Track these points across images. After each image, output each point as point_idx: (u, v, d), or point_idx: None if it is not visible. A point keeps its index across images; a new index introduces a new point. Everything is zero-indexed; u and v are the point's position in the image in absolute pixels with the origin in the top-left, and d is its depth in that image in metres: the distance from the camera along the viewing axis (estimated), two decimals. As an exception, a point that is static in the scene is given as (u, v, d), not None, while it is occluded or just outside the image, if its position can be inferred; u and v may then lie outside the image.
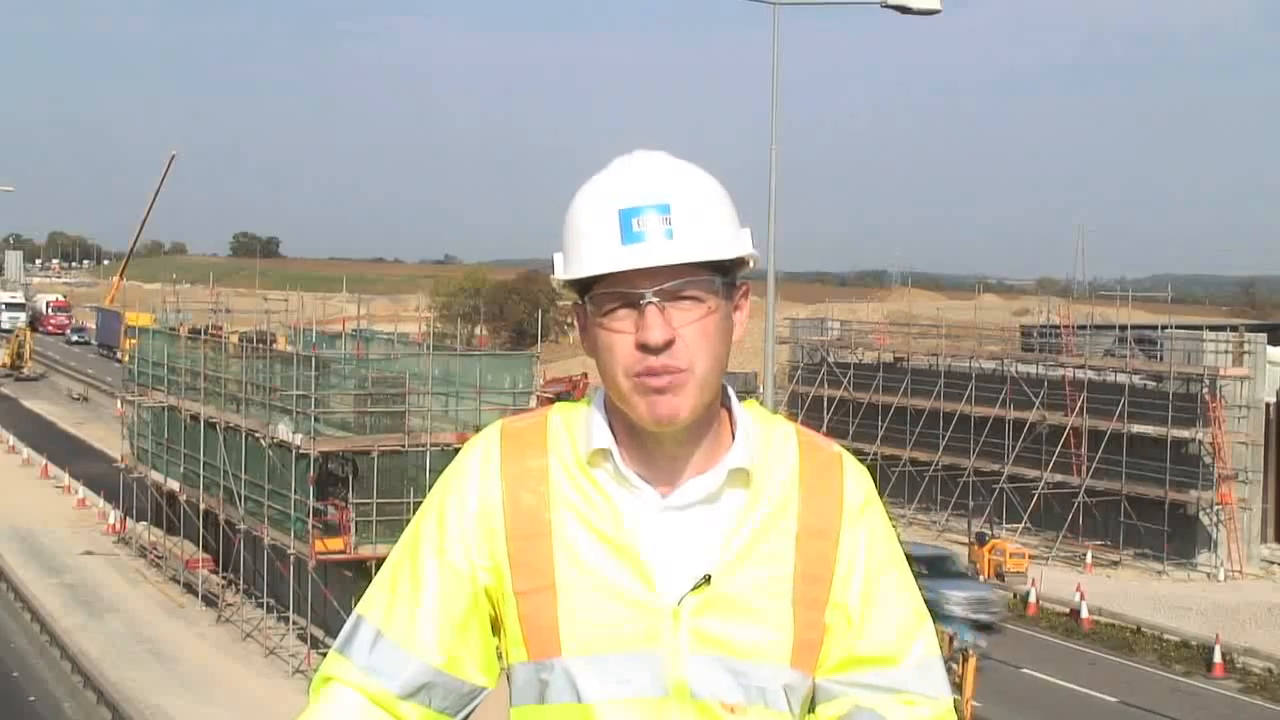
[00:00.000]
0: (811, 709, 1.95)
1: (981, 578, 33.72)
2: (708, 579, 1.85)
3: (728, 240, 1.87)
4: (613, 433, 1.91)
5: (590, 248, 1.85)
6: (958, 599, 29.17)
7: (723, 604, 1.86)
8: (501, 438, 1.97)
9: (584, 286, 1.88)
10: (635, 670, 1.84)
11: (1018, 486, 41.45)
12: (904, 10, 20.44)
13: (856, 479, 1.98)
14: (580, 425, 1.94)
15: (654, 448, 1.89)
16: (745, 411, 1.97)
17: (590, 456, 1.91)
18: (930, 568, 30.02)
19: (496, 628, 1.95)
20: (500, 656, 1.95)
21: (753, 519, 1.90)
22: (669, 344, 1.81)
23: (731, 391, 1.97)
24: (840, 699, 1.92)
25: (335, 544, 26.97)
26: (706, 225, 1.85)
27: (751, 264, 1.91)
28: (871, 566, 1.94)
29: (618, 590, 1.85)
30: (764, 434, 1.96)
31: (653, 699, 1.84)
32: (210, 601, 31.62)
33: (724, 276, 1.87)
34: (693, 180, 1.88)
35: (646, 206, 1.83)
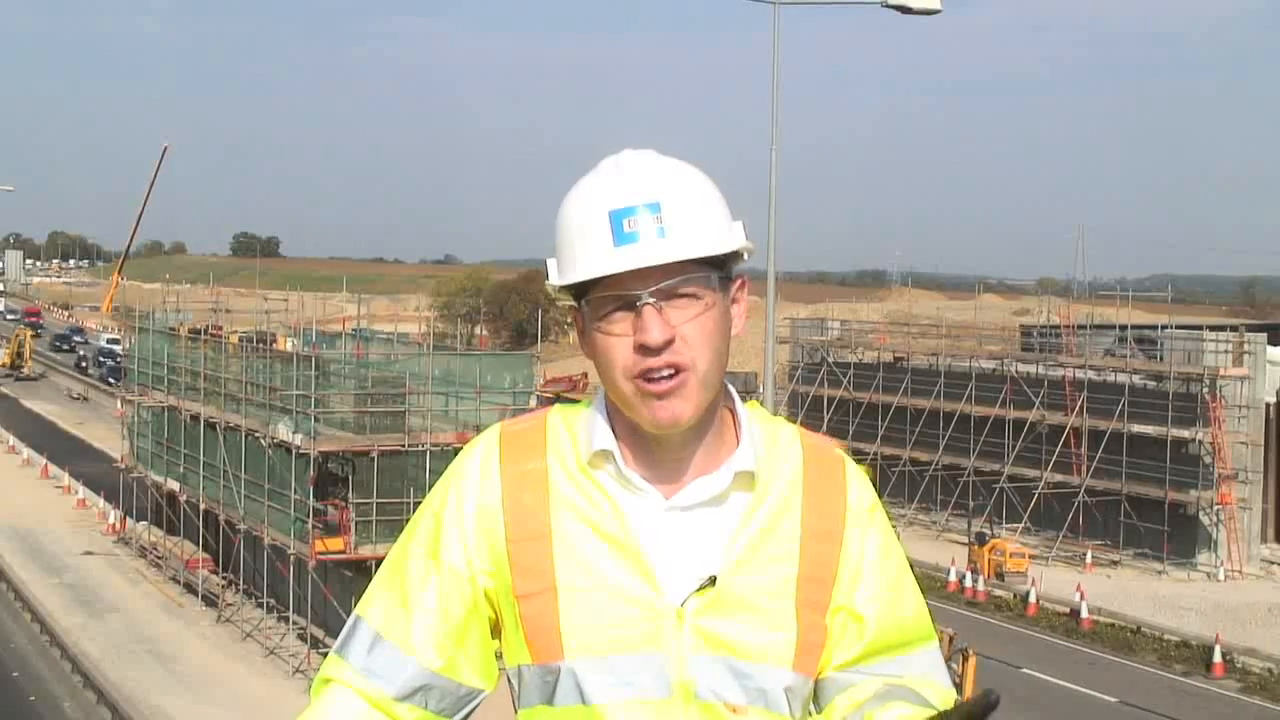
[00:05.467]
0: (815, 708, 1.95)
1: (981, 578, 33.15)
2: (713, 580, 1.85)
3: (721, 235, 1.86)
4: (614, 434, 1.90)
5: (583, 251, 1.83)
6: None
7: (727, 605, 1.85)
8: (501, 440, 1.97)
9: (580, 291, 1.86)
10: (639, 671, 1.83)
11: (1018, 486, 41.44)
12: (904, 10, 20.42)
13: (859, 482, 1.98)
14: (581, 427, 1.94)
15: (657, 449, 1.89)
16: (748, 412, 1.96)
17: (592, 458, 1.90)
18: None
19: (496, 630, 1.94)
20: (499, 658, 1.95)
21: (757, 520, 1.90)
22: (669, 343, 1.81)
23: (734, 391, 1.96)
24: (864, 683, 1.92)
25: (335, 544, 26.96)
26: (699, 221, 1.84)
27: (746, 256, 1.90)
28: (885, 570, 1.95)
29: (621, 591, 1.85)
30: (767, 435, 1.96)
31: (657, 700, 1.83)
32: (210, 601, 31.61)
33: (719, 271, 1.86)
34: (682, 177, 1.87)
35: (637, 206, 1.82)
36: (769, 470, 1.92)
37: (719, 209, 1.88)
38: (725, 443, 1.92)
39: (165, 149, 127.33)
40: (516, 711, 1.94)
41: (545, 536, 1.88)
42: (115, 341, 72.19)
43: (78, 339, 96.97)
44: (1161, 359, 39.85)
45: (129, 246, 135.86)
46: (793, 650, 1.87)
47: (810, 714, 1.93)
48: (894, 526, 2.03)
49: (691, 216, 1.83)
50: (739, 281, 1.92)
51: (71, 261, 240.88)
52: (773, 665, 1.86)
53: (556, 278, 1.89)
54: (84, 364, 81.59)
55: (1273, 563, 39.48)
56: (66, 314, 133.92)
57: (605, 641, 1.84)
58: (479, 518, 1.92)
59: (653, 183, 1.84)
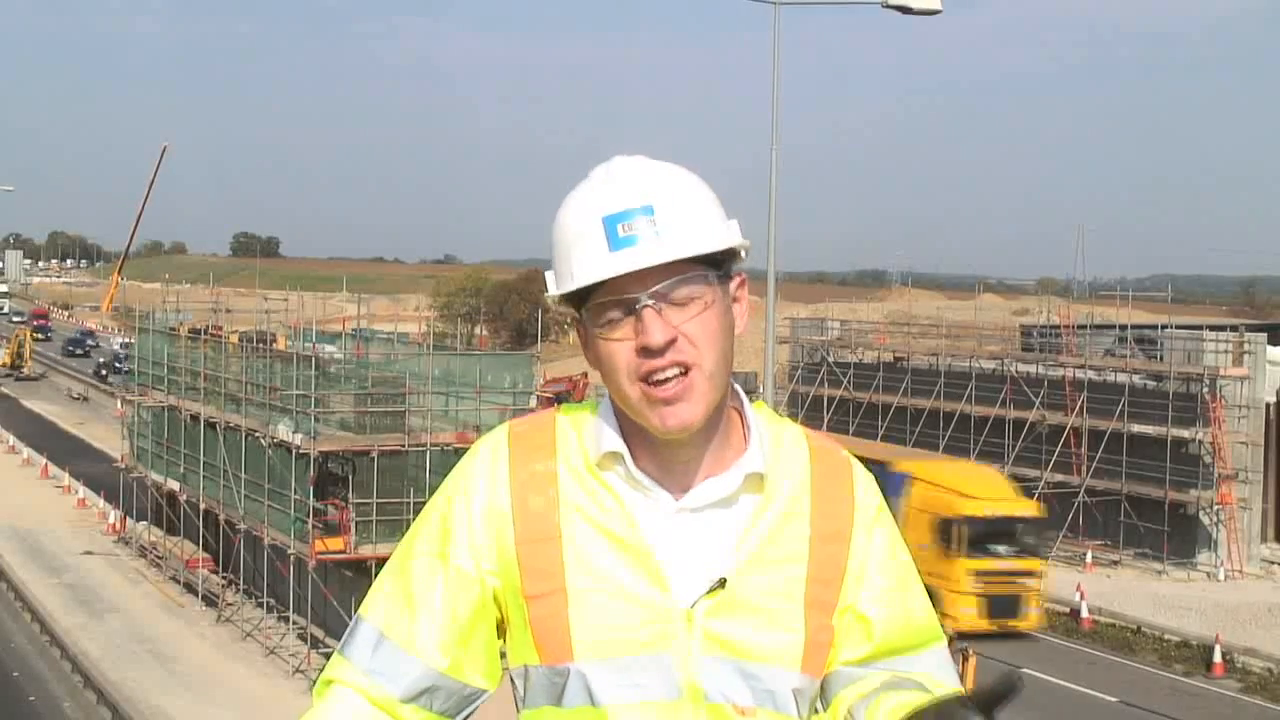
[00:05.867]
0: (821, 704, 1.95)
1: None
2: (723, 582, 1.85)
3: (716, 233, 1.86)
4: (622, 435, 1.90)
5: (579, 259, 1.83)
6: None
7: (736, 607, 1.85)
8: (509, 440, 1.96)
9: (580, 299, 1.86)
10: (648, 673, 1.83)
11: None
12: (905, 10, 20.43)
13: (866, 484, 1.99)
14: (589, 428, 1.93)
15: (665, 450, 1.89)
16: (756, 413, 1.96)
17: (601, 459, 1.90)
18: None
19: (502, 630, 1.94)
20: (503, 657, 1.95)
21: (765, 522, 1.90)
22: (671, 343, 1.80)
23: (741, 392, 1.96)
24: (870, 676, 1.93)
25: (335, 544, 26.94)
26: (692, 221, 1.84)
27: (744, 254, 1.90)
28: (894, 570, 1.96)
29: (630, 593, 1.85)
30: (774, 436, 1.96)
31: (666, 702, 1.83)
32: (210, 601, 31.60)
33: (717, 270, 1.86)
34: (674, 179, 1.87)
35: (630, 210, 1.82)
36: (777, 471, 1.92)
37: (713, 208, 1.88)
38: (733, 443, 1.92)
39: (164, 149, 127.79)
40: (519, 712, 1.94)
41: (554, 538, 1.88)
42: (129, 345, 58.74)
43: (91, 343, 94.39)
44: (1161, 359, 39.83)
45: (128, 246, 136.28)
46: (801, 652, 1.88)
47: (817, 711, 1.94)
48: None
49: (685, 217, 1.83)
50: (738, 279, 1.91)
51: (70, 262, 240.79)
52: (781, 667, 1.86)
53: (555, 289, 1.89)
54: (103, 371, 77.84)
55: (1273, 563, 39.47)
56: (66, 314, 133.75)
57: (614, 643, 1.84)
58: (487, 519, 1.92)
59: (645, 186, 1.84)
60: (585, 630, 1.84)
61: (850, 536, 1.93)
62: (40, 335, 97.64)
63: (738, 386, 1.95)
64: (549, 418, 1.99)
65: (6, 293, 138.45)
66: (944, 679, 1.96)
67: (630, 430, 1.90)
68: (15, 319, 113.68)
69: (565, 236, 1.87)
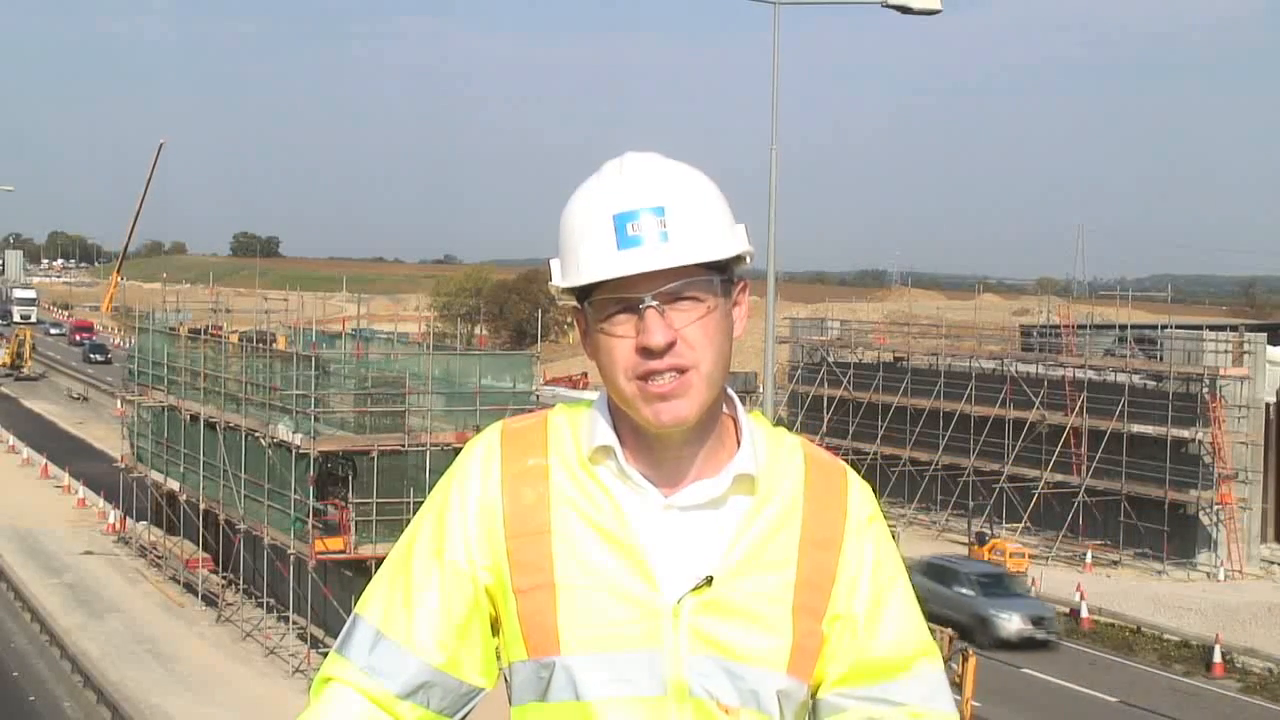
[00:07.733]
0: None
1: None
2: (709, 580, 1.85)
3: (723, 239, 1.86)
4: (616, 432, 1.91)
5: (586, 254, 1.84)
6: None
7: (723, 607, 1.85)
8: (502, 437, 1.97)
9: (582, 292, 1.87)
10: (635, 669, 1.84)
11: (1018, 486, 41.45)
12: (904, 10, 20.40)
13: (861, 493, 1.99)
14: (583, 424, 1.94)
15: (658, 447, 1.89)
16: (751, 420, 1.97)
17: (593, 454, 1.91)
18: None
19: (496, 627, 1.94)
20: (499, 656, 1.95)
21: (757, 524, 1.90)
22: (670, 346, 1.81)
23: (737, 399, 1.97)
24: (850, 712, 1.92)
25: (335, 544, 26.96)
26: (702, 225, 1.84)
27: (748, 260, 1.91)
28: (880, 580, 1.95)
29: (618, 588, 1.85)
30: (770, 443, 1.96)
31: (651, 698, 1.83)
32: (210, 601, 31.62)
33: (721, 274, 1.87)
34: (685, 180, 1.87)
35: (641, 210, 1.82)
36: (772, 477, 1.93)
37: (722, 213, 1.89)
38: (726, 448, 1.93)
39: (161, 145, 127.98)
40: (510, 707, 1.94)
41: (545, 532, 1.89)
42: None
43: None
44: (1161, 359, 39.87)
45: (127, 245, 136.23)
46: (786, 654, 1.87)
47: (809, 716, 1.93)
48: (893, 528, 2.03)
49: (694, 221, 1.84)
50: (740, 284, 1.92)
51: (60, 262, 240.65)
52: (766, 668, 1.86)
53: (559, 279, 1.90)
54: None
55: (1273, 563, 39.49)
56: (66, 314, 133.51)
57: (601, 638, 1.84)
58: (480, 514, 1.93)
59: (656, 186, 1.85)
60: (573, 624, 1.85)
61: (842, 544, 1.93)
62: (98, 357, 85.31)
63: (734, 394, 1.96)
64: (543, 415, 2.00)
65: (33, 299, 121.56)
66: (940, 706, 1.94)
67: (624, 427, 1.91)
68: (53, 331, 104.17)
69: (573, 229, 1.87)
